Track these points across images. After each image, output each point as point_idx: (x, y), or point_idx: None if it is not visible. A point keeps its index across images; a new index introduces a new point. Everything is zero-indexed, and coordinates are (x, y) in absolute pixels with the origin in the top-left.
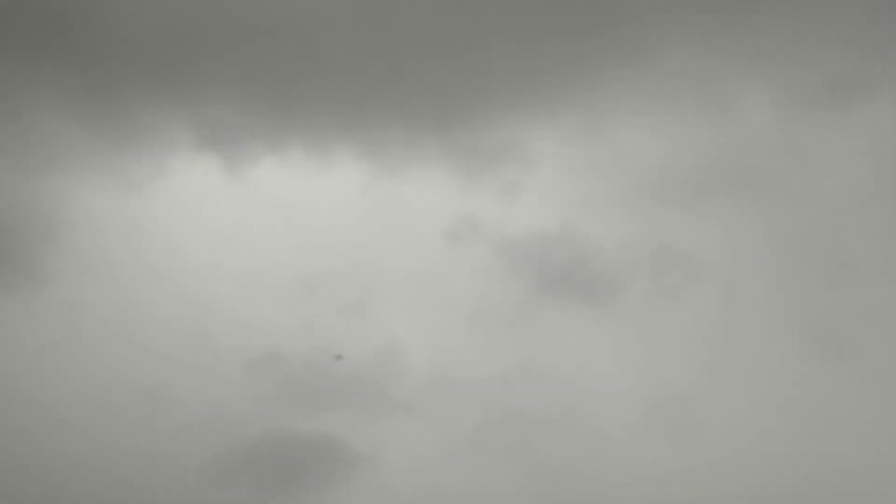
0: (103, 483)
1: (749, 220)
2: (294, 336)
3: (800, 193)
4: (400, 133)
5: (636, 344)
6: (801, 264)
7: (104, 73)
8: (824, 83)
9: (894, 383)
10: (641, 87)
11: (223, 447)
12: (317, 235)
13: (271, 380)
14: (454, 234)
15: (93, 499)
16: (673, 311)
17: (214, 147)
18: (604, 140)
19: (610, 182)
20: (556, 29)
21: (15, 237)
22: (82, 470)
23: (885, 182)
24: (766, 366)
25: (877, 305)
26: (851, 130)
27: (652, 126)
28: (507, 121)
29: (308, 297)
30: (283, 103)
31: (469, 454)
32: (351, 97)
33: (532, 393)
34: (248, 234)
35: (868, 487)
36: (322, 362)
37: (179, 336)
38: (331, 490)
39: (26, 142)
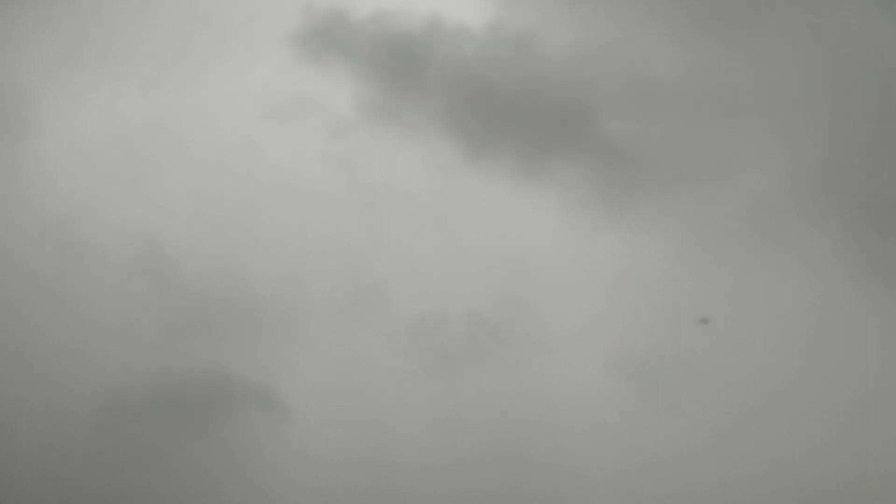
0: None
1: (774, 45)
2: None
3: None
4: None
5: (597, 244)
6: (857, 133)
7: None
8: None
9: None
10: None
11: (99, 389)
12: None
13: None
14: (310, 35)
15: None
16: (657, 195)
17: None
18: None
19: None
20: None
21: None
22: None
23: None
24: (794, 297)
25: None
26: None
27: None
28: None
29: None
30: None
31: (388, 383)
32: None
33: (455, 303)
34: None
35: None
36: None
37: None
38: (228, 436)
39: None
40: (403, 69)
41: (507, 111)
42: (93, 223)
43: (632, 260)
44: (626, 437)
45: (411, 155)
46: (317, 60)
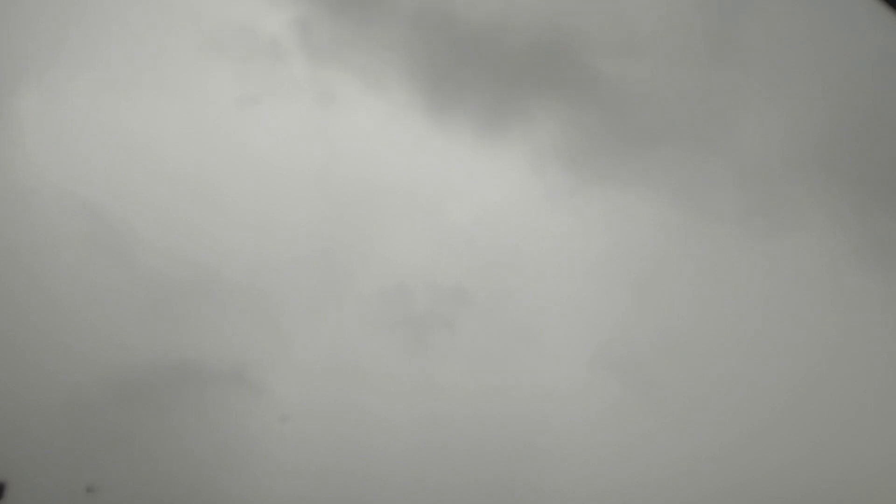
0: None
1: None
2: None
3: None
4: None
5: (577, 207)
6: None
7: None
8: None
9: None
10: None
11: (61, 378)
12: None
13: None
14: None
15: None
16: (644, 150)
17: None
18: None
19: None
20: None
21: None
22: None
23: None
24: (793, 277)
25: None
26: None
27: None
28: None
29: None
30: None
31: (364, 364)
32: None
33: (427, 280)
34: None
35: None
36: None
37: None
38: (202, 423)
39: None
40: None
41: (472, 48)
42: (52, 198)
43: (616, 227)
44: (613, 434)
45: (370, 107)
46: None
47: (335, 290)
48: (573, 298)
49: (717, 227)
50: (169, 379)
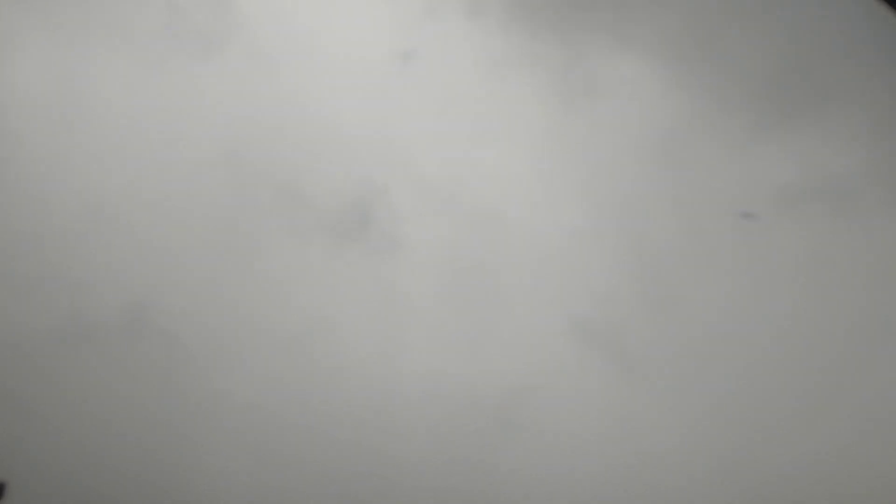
0: None
1: None
2: None
3: None
4: None
5: (527, 78)
6: None
7: None
8: None
9: None
10: None
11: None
12: None
13: None
14: None
15: None
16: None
17: None
18: None
19: None
20: None
21: None
22: None
23: None
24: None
25: None
26: None
27: None
28: None
29: None
30: None
31: (287, 292)
32: None
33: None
34: None
35: None
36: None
37: None
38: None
39: None
40: None
41: None
42: None
43: (583, 111)
44: (597, 408)
45: None
46: None
47: (248, 210)
48: (529, 235)
49: (723, 119)
50: (49, 332)
